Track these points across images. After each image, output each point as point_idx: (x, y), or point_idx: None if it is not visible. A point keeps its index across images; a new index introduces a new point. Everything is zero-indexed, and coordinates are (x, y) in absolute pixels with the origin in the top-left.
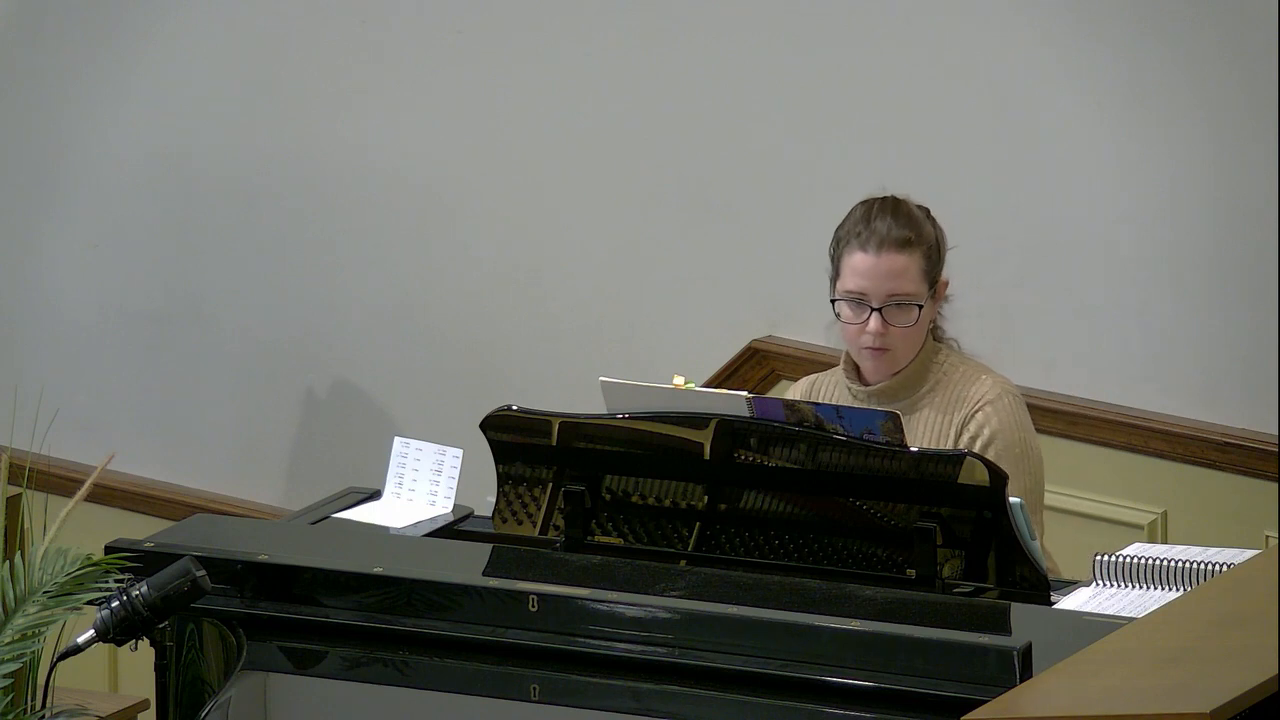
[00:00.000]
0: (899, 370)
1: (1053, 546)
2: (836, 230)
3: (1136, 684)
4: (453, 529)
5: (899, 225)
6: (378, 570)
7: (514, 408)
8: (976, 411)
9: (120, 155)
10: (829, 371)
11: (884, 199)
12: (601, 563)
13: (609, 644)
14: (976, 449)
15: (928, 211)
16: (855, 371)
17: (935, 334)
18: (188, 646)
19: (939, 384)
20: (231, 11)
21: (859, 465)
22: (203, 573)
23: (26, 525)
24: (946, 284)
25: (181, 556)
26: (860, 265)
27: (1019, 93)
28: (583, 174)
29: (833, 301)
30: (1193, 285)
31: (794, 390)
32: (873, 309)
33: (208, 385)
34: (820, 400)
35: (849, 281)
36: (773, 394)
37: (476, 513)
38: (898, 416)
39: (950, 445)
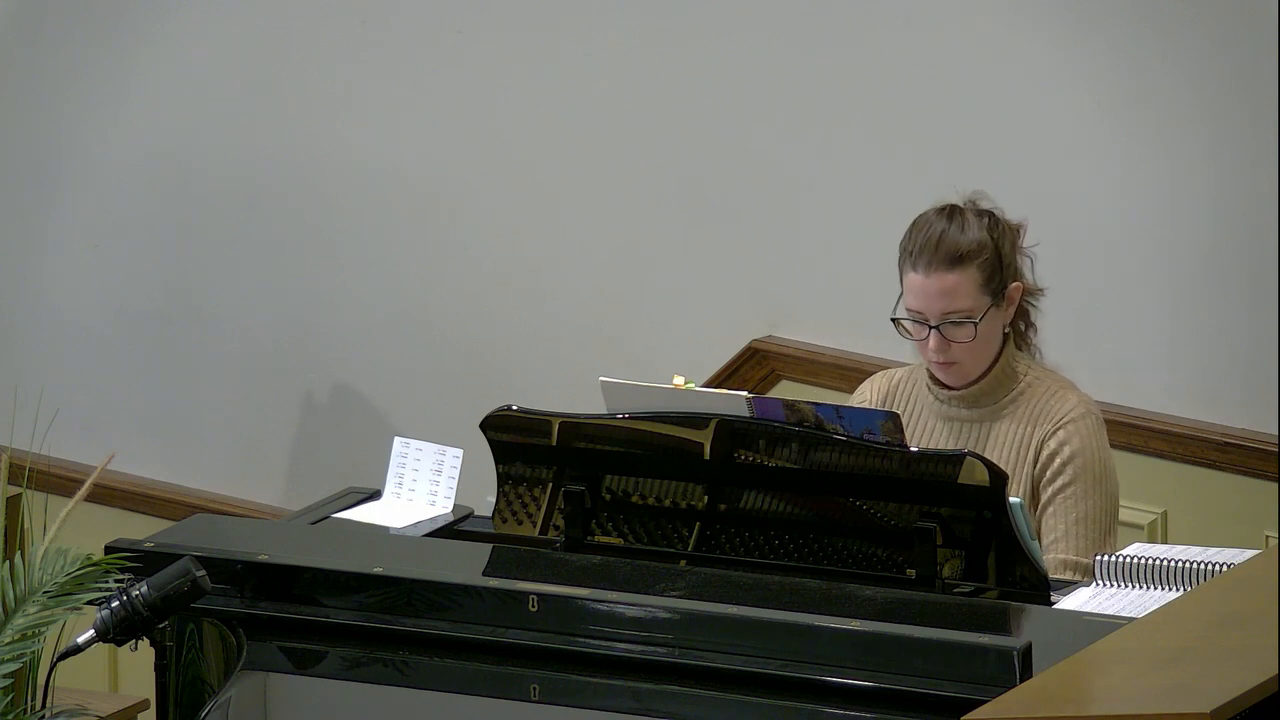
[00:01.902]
0: (976, 378)
1: None
2: (900, 243)
3: (1136, 684)
4: (453, 529)
5: (949, 242)
6: (378, 570)
7: (514, 408)
8: (1059, 428)
9: (120, 155)
10: (907, 369)
11: (940, 209)
12: (601, 563)
13: (609, 644)
14: (1055, 465)
15: (990, 216)
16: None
17: (1020, 338)
18: (188, 646)
19: (1022, 395)
20: (231, 11)
21: (859, 465)
22: (203, 573)
23: (26, 525)
24: (1020, 288)
25: (181, 556)
26: (914, 285)
27: (1019, 92)
28: (583, 174)
29: (895, 320)
30: (1192, 285)
31: (869, 386)
32: (931, 327)
33: (208, 385)
34: (899, 400)
35: (908, 300)
36: (776, 394)
37: (476, 513)
38: (898, 416)
39: (1030, 459)
